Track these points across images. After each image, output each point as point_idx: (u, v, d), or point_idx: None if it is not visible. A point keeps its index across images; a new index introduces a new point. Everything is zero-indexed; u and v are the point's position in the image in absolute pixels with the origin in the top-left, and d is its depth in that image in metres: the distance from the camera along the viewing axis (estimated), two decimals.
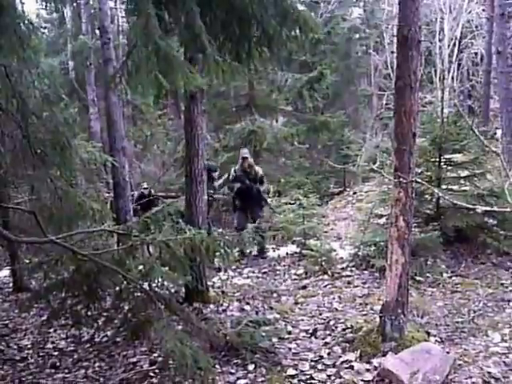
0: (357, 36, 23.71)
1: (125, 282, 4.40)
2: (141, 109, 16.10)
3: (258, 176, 8.77)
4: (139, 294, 4.41)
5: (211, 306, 5.99)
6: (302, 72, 12.63)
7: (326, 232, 9.60)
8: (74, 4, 17.75)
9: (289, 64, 13.08)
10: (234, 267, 8.24)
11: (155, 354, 4.63)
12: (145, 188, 13.07)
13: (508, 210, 3.20)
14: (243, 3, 3.74)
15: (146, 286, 4.41)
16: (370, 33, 23.80)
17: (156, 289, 4.57)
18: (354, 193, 13.19)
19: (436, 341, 4.45)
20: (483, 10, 20.66)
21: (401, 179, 3.80)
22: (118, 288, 4.53)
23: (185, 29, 3.42)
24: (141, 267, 4.48)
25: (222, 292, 6.72)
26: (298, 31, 3.85)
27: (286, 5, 3.74)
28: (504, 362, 4.02)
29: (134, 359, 4.65)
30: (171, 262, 4.50)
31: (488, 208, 5.91)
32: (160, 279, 4.57)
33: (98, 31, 12.73)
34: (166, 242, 4.40)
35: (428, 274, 6.33)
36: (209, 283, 6.62)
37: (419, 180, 3.71)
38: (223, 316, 5.66)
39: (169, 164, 15.59)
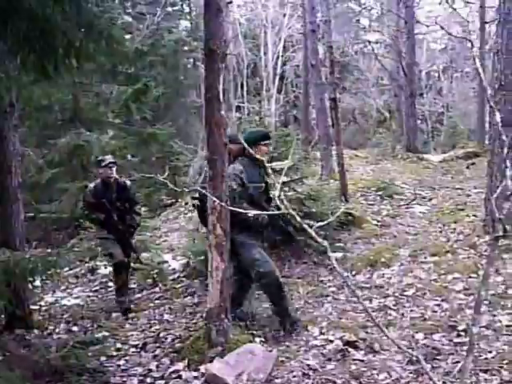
0: (185, 48, 23.92)
1: None
2: None
3: None
4: None
5: (35, 331, 5.66)
6: (128, 84, 12.42)
7: (158, 244, 9.49)
8: None
9: (114, 76, 12.77)
10: (63, 288, 7.90)
11: None
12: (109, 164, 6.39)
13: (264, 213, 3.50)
14: (46, 14, 3.60)
15: None
16: (197, 45, 24.20)
17: None
18: (186, 203, 13.24)
19: (261, 341, 4.62)
20: (301, 26, 22.04)
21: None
22: None
23: None
24: None
25: (50, 315, 6.42)
26: (104, 44, 3.79)
27: (91, 17, 3.65)
28: (322, 353, 4.31)
29: None
30: None
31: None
32: None
33: None
34: None
35: None
36: (34, 307, 6.27)
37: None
38: (49, 340, 5.40)
39: None
